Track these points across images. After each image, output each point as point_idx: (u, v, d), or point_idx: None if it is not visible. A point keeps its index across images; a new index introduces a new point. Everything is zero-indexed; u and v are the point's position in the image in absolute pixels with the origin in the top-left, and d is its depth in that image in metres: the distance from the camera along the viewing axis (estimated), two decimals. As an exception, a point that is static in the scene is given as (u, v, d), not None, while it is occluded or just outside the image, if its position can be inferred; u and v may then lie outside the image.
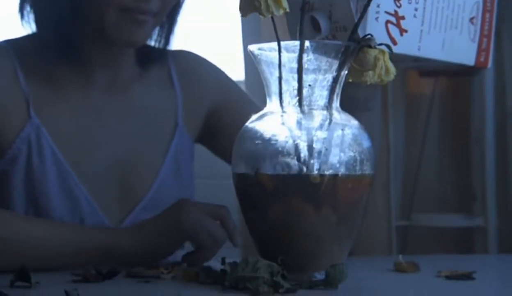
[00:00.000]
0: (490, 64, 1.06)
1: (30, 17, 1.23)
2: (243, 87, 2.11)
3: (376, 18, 0.97)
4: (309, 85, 0.95)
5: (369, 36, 0.95)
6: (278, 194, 0.94)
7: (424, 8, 1.00)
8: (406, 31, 0.99)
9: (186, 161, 1.30)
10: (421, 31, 1.00)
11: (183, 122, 1.30)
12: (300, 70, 0.94)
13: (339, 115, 0.97)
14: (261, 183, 0.94)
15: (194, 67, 1.34)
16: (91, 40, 1.21)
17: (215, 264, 1.03)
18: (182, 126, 1.30)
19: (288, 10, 0.92)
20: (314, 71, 0.95)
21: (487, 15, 1.05)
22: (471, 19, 1.04)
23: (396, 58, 0.96)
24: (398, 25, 0.98)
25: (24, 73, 1.21)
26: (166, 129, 1.29)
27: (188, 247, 1.14)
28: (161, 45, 1.28)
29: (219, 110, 1.33)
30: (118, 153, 1.24)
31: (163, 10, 1.20)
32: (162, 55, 1.29)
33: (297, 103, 0.96)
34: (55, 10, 1.19)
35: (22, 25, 1.24)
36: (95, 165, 1.22)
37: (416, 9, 0.99)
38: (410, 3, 0.99)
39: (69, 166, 1.19)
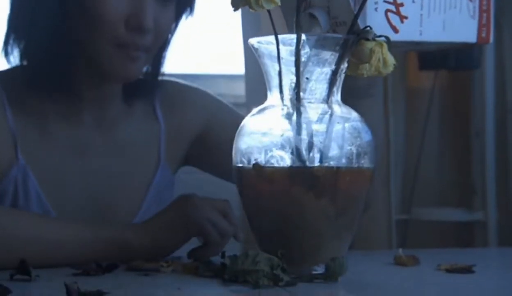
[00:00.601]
0: (491, 39, 1.06)
1: (16, 50, 1.21)
2: (243, 81, 2.11)
3: (375, 9, 0.97)
4: (307, 78, 0.95)
5: (367, 28, 0.95)
6: (277, 187, 0.94)
7: None
8: (406, 17, 0.99)
9: (167, 195, 1.29)
10: (421, 15, 1.00)
11: (166, 157, 1.30)
12: (297, 64, 0.94)
13: (339, 109, 0.97)
14: (259, 175, 0.94)
15: (177, 97, 1.33)
16: (82, 76, 1.21)
17: (215, 257, 1.03)
18: (164, 162, 1.30)
19: (279, 3, 0.91)
20: (312, 64, 0.95)
21: None
22: None
23: (397, 44, 0.96)
24: (397, 12, 0.98)
25: (12, 110, 1.20)
26: (148, 166, 1.29)
27: (192, 242, 1.14)
28: (149, 79, 1.27)
29: (207, 132, 1.33)
30: (101, 193, 1.24)
31: (155, 45, 1.21)
32: (149, 89, 1.29)
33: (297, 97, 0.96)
34: (47, 45, 1.19)
35: (8, 61, 1.23)
36: (77, 205, 1.22)
37: None
38: None
39: (52, 208, 1.20)
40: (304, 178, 0.93)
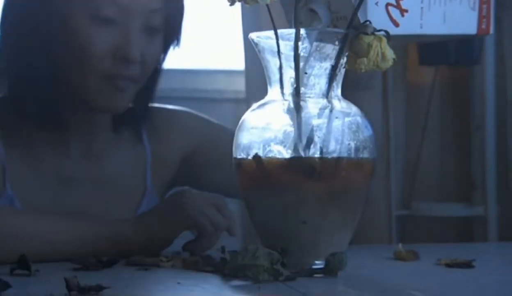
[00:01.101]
0: (492, 30, 1.05)
1: (4, 80, 1.22)
2: (243, 77, 2.11)
3: (376, 3, 0.97)
4: (305, 73, 0.95)
5: (367, 22, 0.94)
6: (276, 180, 0.94)
7: None
8: (406, 11, 0.99)
9: None
10: (421, 8, 1.00)
11: (152, 182, 1.30)
12: (296, 58, 0.94)
13: (339, 104, 0.97)
14: (259, 167, 0.94)
15: (163, 122, 1.32)
16: (70, 106, 1.21)
17: (215, 252, 1.03)
18: (151, 188, 1.30)
19: None
20: (312, 59, 0.95)
21: None
22: None
23: (397, 37, 0.96)
24: (398, 6, 0.98)
25: (1, 137, 1.20)
26: (135, 193, 1.29)
27: (187, 236, 1.14)
28: (138, 109, 1.27)
29: (197, 152, 1.33)
30: None
31: (143, 75, 1.21)
32: (138, 118, 1.29)
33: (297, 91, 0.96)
34: (34, 77, 1.19)
35: None
36: None
37: None
38: None
39: None
40: (301, 169, 0.93)
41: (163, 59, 1.27)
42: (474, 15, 1.04)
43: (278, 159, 0.94)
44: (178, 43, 1.26)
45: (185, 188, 1.16)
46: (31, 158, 1.22)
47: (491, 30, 1.05)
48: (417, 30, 1.00)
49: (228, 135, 1.08)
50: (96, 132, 1.25)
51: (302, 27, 0.95)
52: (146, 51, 1.19)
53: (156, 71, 1.26)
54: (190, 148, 1.33)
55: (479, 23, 1.04)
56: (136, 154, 1.30)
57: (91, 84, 1.17)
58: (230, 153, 1.00)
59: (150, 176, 1.30)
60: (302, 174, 0.93)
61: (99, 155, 1.26)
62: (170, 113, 1.35)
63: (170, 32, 1.24)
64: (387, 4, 0.97)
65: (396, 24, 0.98)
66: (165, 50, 1.25)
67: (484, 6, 1.04)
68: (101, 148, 1.26)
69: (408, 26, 0.99)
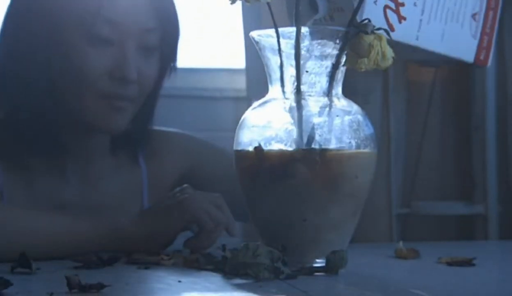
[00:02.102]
0: (489, 63, 1.04)
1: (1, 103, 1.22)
2: (244, 75, 2.11)
3: (375, 2, 0.96)
4: (306, 71, 0.95)
5: (366, 21, 0.94)
6: (277, 176, 0.94)
7: None
8: (404, 18, 0.98)
9: None
10: (421, 20, 0.99)
11: (149, 203, 1.30)
12: (297, 57, 0.94)
13: (340, 102, 0.97)
14: (259, 158, 0.94)
15: (159, 144, 1.33)
16: (68, 129, 1.22)
17: (215, 250, 1.03)
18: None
19: None
20: (312, 57, 0.95)
21: (491, 13, 1.04)
22: (473, 15, 1.03)
23: (395, 49, 0.95)
24: (396, 11, 0.97)
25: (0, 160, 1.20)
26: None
27: (187, 235, 1.14)
28: (136, 132, 1.27)
29: (192, 172, 1.33)
30: None
31: (141, 96, 1.21)
32: (136, 142, 1.29)
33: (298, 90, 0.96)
34: (31, 99, 1.19)
35: None
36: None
37: None
38: None
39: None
40: (303, 169, 0.93)
41: (161, 82, 1.27)
42: (474, 43, 1.02)
43: (280, 150, 0.94)
44: (174, 66, 1.27)
45: (185, 186, 1.16)
46: (28, 183, 1.22)
47: (489, 62, 1.04)
48: (412, 41, 0.99)
49: (227, 157, 1.08)
50: (93, 157, 1.26)
51: (301, 22, 0.95)
52: (142, 70, 1.20)
53: (154, 94, 1.26)
54: (188, 168, 1.33)
55: (478, 53, 1.02)
56: (133, 176, 1.30)
57: (89, 104, 1.18)
58: (230, 173, 1.00)
59: (147, 197, 1.30)
60: (302, 178, 0.93)
61: (96, 179, 1.26)
62: (167, 135, 1.36)
63: (166, 52, 1.24)
64: (386, 6, 0.97)
65: (391, 29, 0.97)
66: (161, 73, 1.26)
67: (486, 37, 1.03)
68: (99, 172, 1.27)
69: (404, 34, 0.98)
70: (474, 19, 1.02)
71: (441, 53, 1.01)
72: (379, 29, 0.93)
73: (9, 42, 1.22)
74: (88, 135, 1.24)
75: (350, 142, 0.95)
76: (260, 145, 0.95)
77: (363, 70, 0.93)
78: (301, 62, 0.95)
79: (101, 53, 1.17)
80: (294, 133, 0.94)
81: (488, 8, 1.04)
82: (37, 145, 1.21)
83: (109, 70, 1.17)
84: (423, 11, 0.99)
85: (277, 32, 0.94)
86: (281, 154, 0.94)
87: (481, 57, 1.03)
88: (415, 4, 0.98)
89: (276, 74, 0.98)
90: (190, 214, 1.11)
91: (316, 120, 0.95)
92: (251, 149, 0.96)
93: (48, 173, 1.23)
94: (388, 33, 0.94)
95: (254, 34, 0.97)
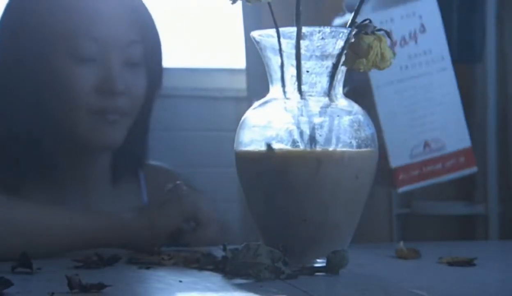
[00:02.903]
0: (492, 54, 1.05)
1: None
2: (244, 75, 2.11)
3: None
4: (307, 71, 0.95)
5: (367, 21, 0.94)
6: (278, 174, 0.94)
7: None
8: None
9: None
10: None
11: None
12: (298, 56, 0.94)
13: (340, 102, 0.97)
14: (270, 156, 0.94)
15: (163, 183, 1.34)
16: (63, 152, 1.22)
17: (216, 250, 1.03)
18: None
19: None
20: (313, 57, 0.95)
21: None
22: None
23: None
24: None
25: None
26: None
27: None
28: (133, 151, 1.28)
29: None
30: None
31: (133, 109, 1.22)
32: (136, 169, 1.30)
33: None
34: (23, 124, 1.20)
35: None
36: None
37: None
38: None
39: None
40: (304, 168, 0.93)
41: (152, 98, 1.28)
42: None
43: (288, 150, 0.94)
44: (160, 82, 1.29)
45: (178, 183, 1.17)
46: None
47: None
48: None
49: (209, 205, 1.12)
50: (94, 186, 1.26)
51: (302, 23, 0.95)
52: (130, 84, 1.21)
53: (146, 110, 1.27)
54: None
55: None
56: (134, 201, 1.30)
57: (81, 121, 1.19)
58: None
59: None
60: (303, 177, 0.93)
61: (98, 209, 1.26)
62: (170, 175, 1.36)
63: (151, 67, 1.26)
64: None
65: None
66: (150, 88, 1.27)
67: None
68: (100, 203, 1.27)
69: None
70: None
71: None
72: (380, 30, 0.93)
73: None
74: (85, 157, 1.24)
75: (350, 142, 0.95)
76: (271, 144, 0.95)
77: (361, 70, 0.93)
78: (302, 62, 0.95)
79: (86, 70, 1.19)
80: (295, 133, 0.94)
81: None
82: (28, 167, 1.21)
83: (95, 86, 1.19)
84: None
85: (278, 32, 0.94)
86: (280, 156, 0.94)
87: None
88: None
89: (276, 74, 0.98)
90: (189, 209, 1.13)
91: (316, 120, 0.95)
92: (251, 149, 0.96)
93: (44, 201, 1.22)
94: (389, 34, 0.94)
95: (255, 34, 0.97)
